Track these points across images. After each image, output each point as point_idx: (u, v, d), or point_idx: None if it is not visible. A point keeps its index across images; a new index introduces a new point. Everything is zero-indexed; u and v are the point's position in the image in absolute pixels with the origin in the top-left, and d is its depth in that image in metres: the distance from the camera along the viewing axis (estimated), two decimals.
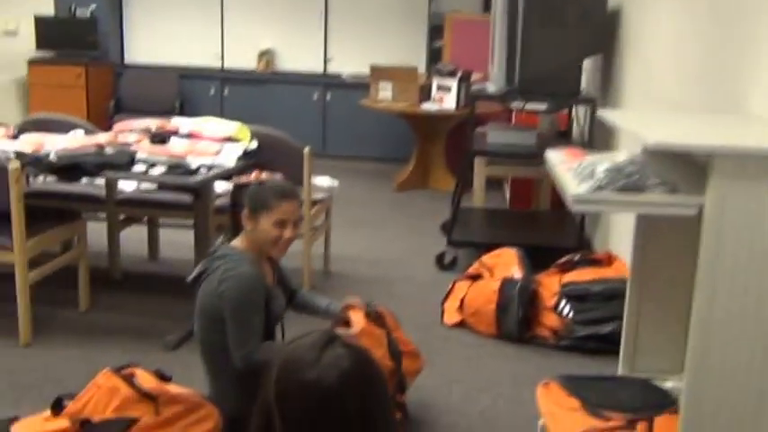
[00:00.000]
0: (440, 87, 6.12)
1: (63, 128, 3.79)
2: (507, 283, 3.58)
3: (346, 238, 4.90)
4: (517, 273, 3.64)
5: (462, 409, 2.91)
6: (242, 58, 7.47)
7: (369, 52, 7.04)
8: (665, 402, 2.32)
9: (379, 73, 6.32)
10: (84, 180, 4.06)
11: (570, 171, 2.05)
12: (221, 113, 6.58)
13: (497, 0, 4.63)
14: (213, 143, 3.48)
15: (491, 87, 4.68)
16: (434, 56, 7.17)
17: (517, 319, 3.49)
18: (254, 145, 3.56)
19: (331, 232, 4.46)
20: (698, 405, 1.85)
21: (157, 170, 3.20)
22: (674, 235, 2.33)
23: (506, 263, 3.78)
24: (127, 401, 2.10)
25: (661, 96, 3.39)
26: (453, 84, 5.98)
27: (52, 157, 3.16)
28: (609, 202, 1.92)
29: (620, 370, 2.56)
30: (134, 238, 4.47)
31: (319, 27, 7.35)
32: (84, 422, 2.07)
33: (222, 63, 7.57)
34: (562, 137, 4.76)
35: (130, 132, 3.54)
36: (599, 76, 4.81)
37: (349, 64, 7.27)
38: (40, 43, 7.29)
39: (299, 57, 7.42)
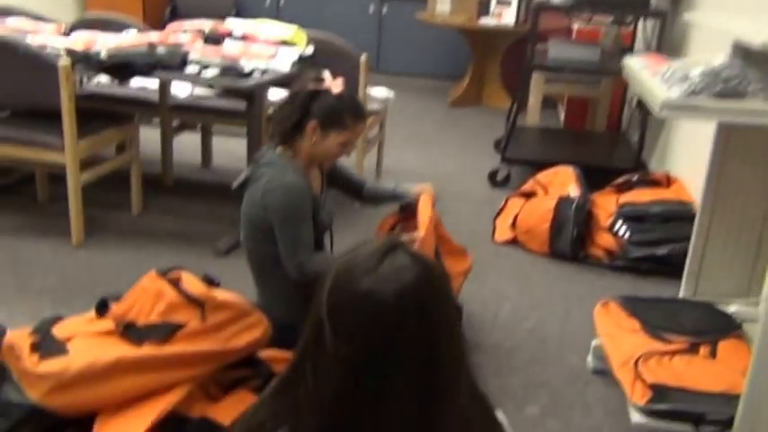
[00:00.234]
0: (499, 1, 5.92)
1: (115, 27, 3.72)
2: (563, 201, 3.50)
3: (399, 152, 4.83)
4: (574, 191, 3.56)
5: (511, 326, 2.86)
6: None
7: None
8: (730, 326, 2.24)
9: None
10: (137, 84, 4.04)
11: (657, 75, 1.89)
12: None
13: None
14: (268, 46, 3.36)
15: None
16: None
17: (571, 238, 3.41)
18: (309, 50, 3.42)
19: (384, 145, 4.38)
20: None
21: (210, 72, 3.12)
22: (756, 153, 2.18)
23: (562, 181, 3.71)
24: (173, 306, 2.01)
25: (743, 7, 3.16)
26: None
27: (103, 55, 3.09)
28: (704, 108, 1.75)
29: (682, 292, 2.47)
30: (188, 144, 4.45)
31: None
32: (129, 325, 2.01)
33: None
34: (626, 54, 4.54)
35: (183, 33, 3.45)
36: None
37: None
38: None
39: None
